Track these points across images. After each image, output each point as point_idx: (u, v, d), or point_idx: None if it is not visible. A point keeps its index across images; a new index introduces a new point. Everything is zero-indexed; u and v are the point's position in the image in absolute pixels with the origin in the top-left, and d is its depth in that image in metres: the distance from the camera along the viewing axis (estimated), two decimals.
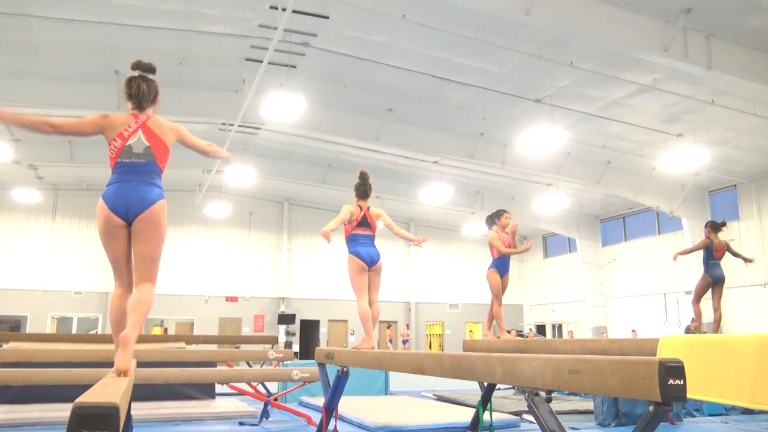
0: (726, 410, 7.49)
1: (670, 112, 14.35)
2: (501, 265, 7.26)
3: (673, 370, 2.00)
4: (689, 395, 4.34)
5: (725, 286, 8.02)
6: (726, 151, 16.38)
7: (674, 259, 8.51)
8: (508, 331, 7.49)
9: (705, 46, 10.99)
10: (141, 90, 3.35)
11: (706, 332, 8.30)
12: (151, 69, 3.44)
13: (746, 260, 8.46)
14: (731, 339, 4.10)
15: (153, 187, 3.27)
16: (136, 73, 3.40)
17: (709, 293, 7.96)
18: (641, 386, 2.05)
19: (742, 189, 18.82)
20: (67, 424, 1.46)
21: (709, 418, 7.23)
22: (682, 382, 2.00)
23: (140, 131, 3.30)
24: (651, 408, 2.12)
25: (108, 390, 1.94)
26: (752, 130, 14.92)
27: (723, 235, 8.29)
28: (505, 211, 7.42)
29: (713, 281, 7.85)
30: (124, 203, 3.18)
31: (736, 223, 18.65)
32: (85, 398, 1.59)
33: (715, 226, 8.03)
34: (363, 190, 5.60)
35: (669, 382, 1.98)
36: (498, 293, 7.18)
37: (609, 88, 13.24)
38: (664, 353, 4.06)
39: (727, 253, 8.06)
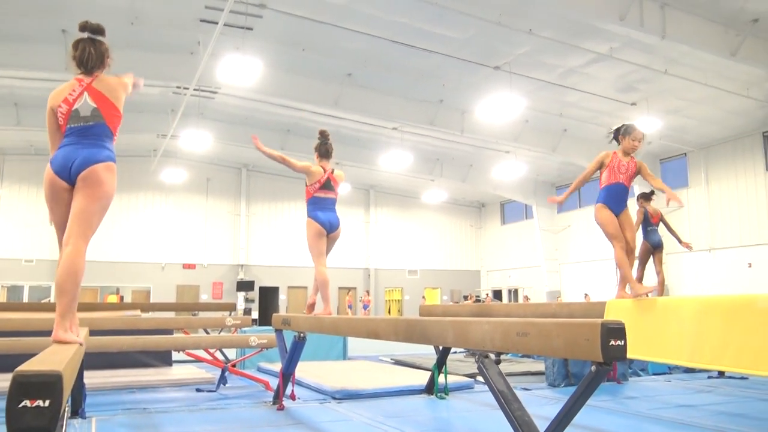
0: (669, 369, 7.85)
1: (626, 81, 14.58)
2: (610, 198, 5.12)
3: (615, 331, 2.08)
4: (634, 356, 4.52)
5: (670, 251, 8.43)
6: (678, 120, 16.79)
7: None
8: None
9: (660, 15, 11.18)
10: (88, 53, 3.22)
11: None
12: (100, 30, 3.30)
13: (679, 240, 8.81)
14: (673, 302, 4.27)
15: (102, 149, 3.14)
16: (84, 35, 3.27)
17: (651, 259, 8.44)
18: (584, 347, 2.13)
19: (692, 157, 19.38)
20: (7, 393, 1.43)
21: (653, 377, 7.55)
22: (622, 343, 2.08)
23: (86, 93, 3.18)
24: (593, 368, 2.20)
25: (53, 358, 1.91)
26: (703, 100, 15.31)
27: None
28: (636, 130, 5.11)
29: (652, 247, 8.44)
30: (68, 164, 3.08)
31: (685, 191, 19.23)
32: (27, 366, 1.55)
33: (645, 196, 8.55)
34: (324, 149, 5.32)
35: (610, 343, 2.06)
36: (616, 233, 4.90)
37: (567, 56, 13.36)
38: (610, 316, 4.20)
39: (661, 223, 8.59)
